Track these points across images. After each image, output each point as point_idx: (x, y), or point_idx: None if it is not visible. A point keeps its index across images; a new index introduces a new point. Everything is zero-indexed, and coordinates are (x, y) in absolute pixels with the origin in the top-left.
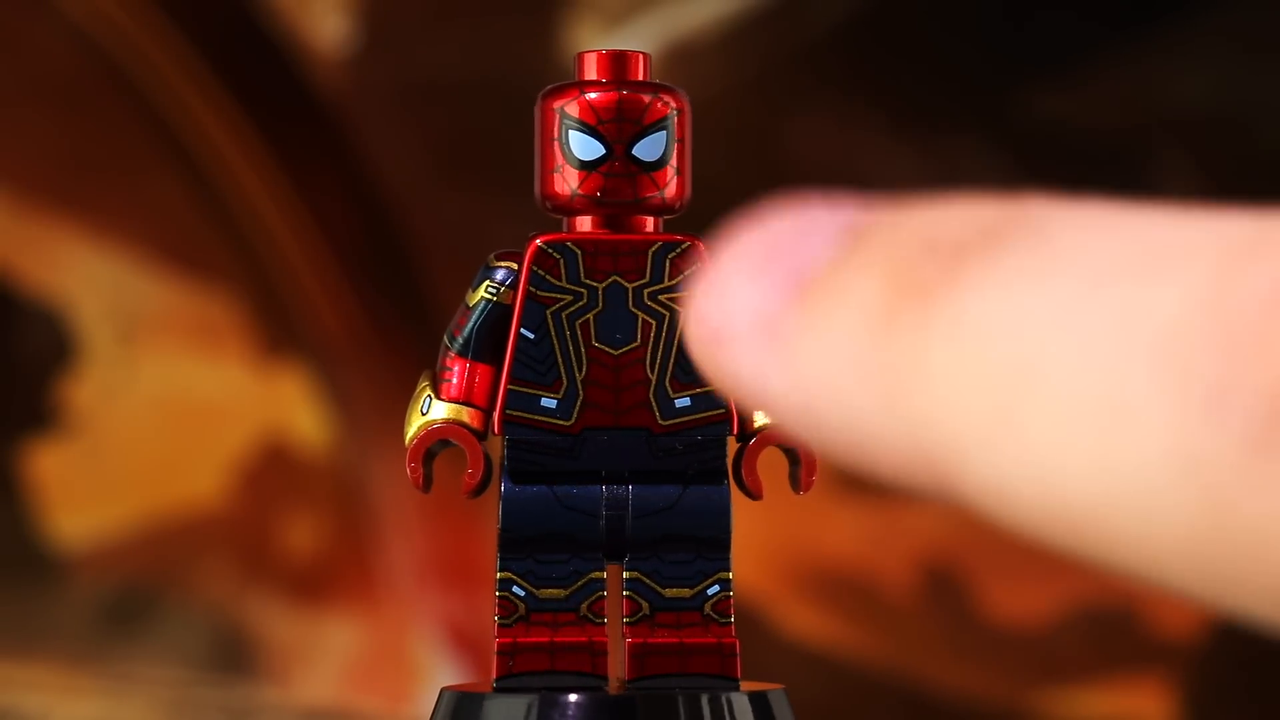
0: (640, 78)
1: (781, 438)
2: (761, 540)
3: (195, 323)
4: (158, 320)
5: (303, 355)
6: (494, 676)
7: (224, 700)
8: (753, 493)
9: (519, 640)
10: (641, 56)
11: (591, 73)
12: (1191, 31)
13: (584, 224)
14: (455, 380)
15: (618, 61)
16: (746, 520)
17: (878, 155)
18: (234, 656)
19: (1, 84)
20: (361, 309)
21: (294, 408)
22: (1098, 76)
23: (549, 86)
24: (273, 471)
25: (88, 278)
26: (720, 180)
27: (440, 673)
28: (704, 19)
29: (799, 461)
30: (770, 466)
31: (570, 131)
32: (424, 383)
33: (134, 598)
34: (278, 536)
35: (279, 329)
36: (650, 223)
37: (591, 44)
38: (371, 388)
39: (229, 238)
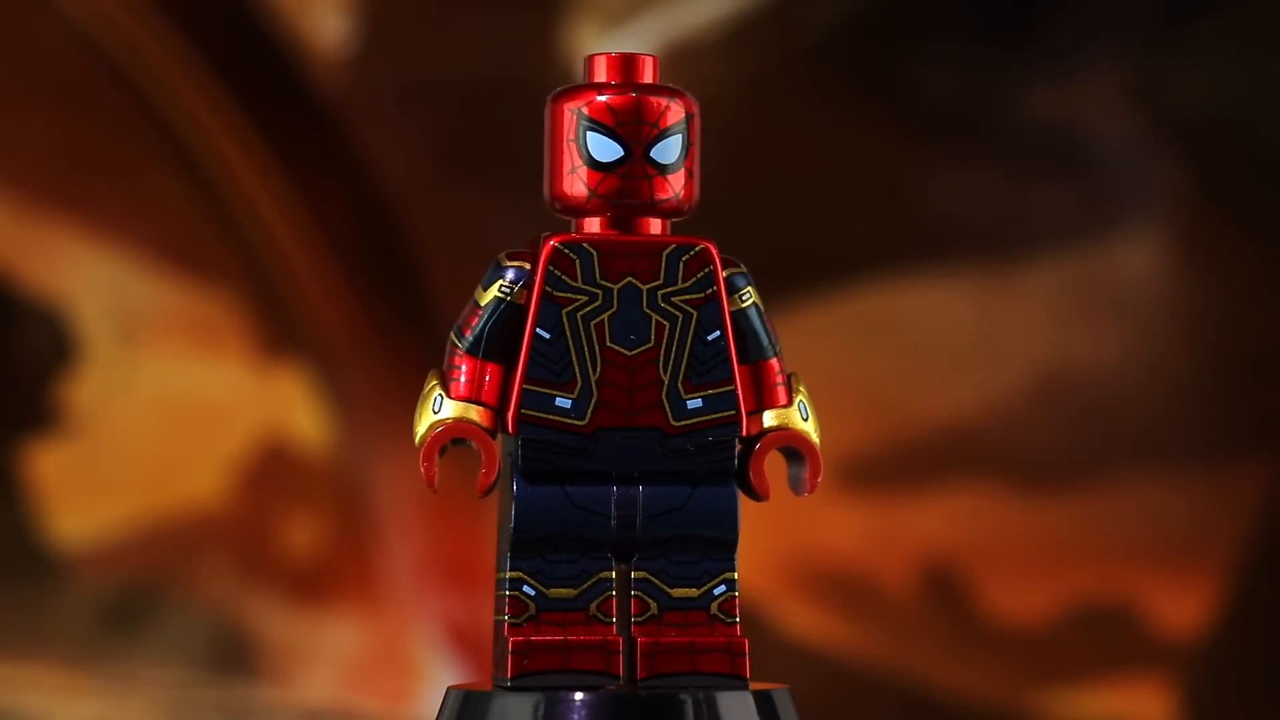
0: (654, 80)
1: (787, 440)
2: (762, 540)
3: (195, 323)
4: (158, 320)
5: (303, 355)
6: (509, 675)
7: (224, 700)
8: (759, 494)
9: (532, 639)
10: (651, 59)
11: (602, 75)
12: (1195, 32)
13: (593, 225)
14: (465, 379)
15: (629, 64)
16: (747, 520)
17: (877, 156)
18: (234, 656)
19: (1, 84)
20: (361, 309)
21: (294, 408)
22: (1099, 76)
23: (561, 88)
24: (273, 471)
25: (88, 278)
26: (719, 180)
27: (440, 673)
28: (704, 19)
29: (803, 464)
30: (772, 467)
31: (588, 133)
32: (433, 381)
33: (134, 598)
34: (278, 536)
35: (279, 329)
36: (658, 224)
37: (592, 44)
38: (371, 388)
39: (229, 238)
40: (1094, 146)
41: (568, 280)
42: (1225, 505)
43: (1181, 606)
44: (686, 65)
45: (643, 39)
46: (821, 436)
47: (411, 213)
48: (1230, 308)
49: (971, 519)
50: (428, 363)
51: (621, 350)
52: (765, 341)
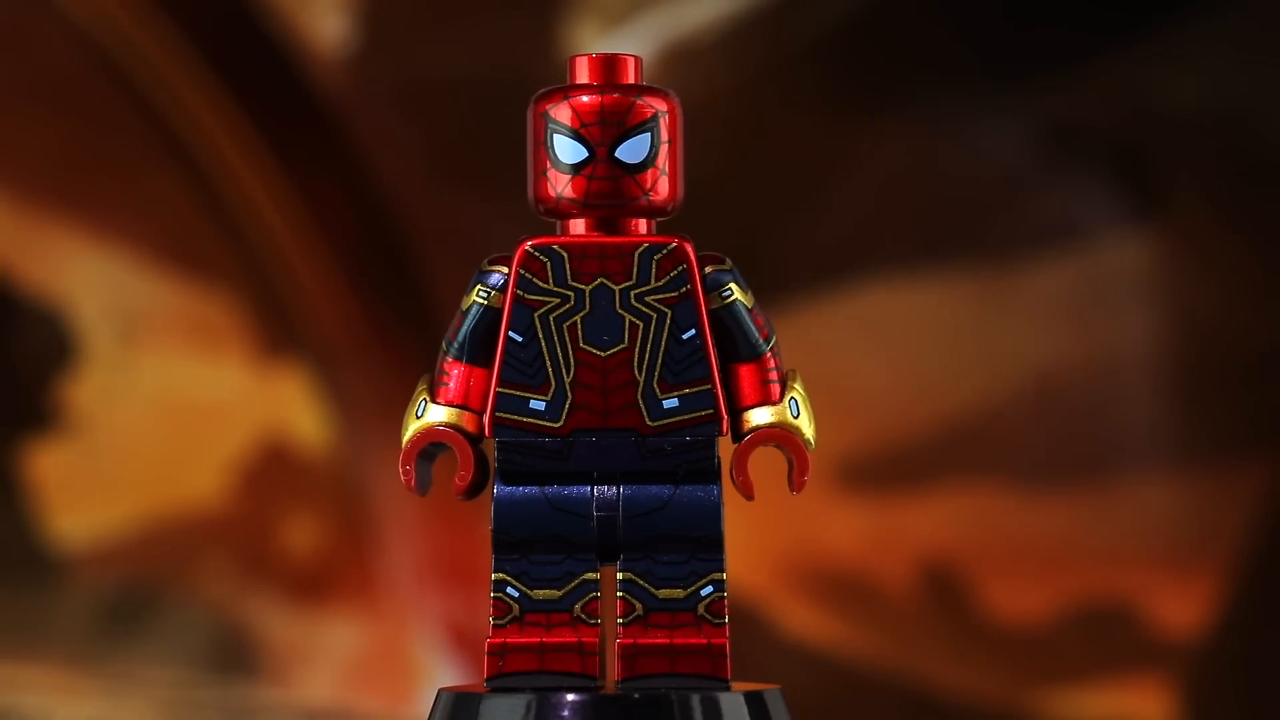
0: (630, 80)
1: (772, 438)
2: (761, 540)
3: (195, 323)
4: (158, 320)
5: (303, 355)
6: (484, 677)
7: (224, 700)
8: (743, 493)
9: (509, 641)
10: (632, 59)
11: (582, 76)
12: (1192, 32)
13: (577, 227)
14: (451, 384)
15: (607, 65)
16: (746, 520)
17: (877, 156)
18: (234, 656)
19: (1, 84)
20: (361, 309)
21: (294, 408)
22: (1098, 77)
23: (539, 91)
24: (273, 471)
25: (88, 278)
26: (720, 180)
27: (440, 673)
28: (703, 19)
29: (791, 461)
30: (769, 466)
31: (555, 135)
32: (422, 386)
33: (134, 598)
34: (278, 536)
35: (279, 329)
36: (642, 224)
37: (591, 44)
38: (371, 388)
39: (229, 238)
40: (1093, 146)
41: (538, 283)
42: (1225, 505)
43: (1181, 606)
44: (686, 65)
45: (642, 39)
46: (818, 435)
47: (411, 213)
48: (1229, 307)
49: (971, 519)
50: (427, 363)
51: (595, 351)
52: (752, 338)
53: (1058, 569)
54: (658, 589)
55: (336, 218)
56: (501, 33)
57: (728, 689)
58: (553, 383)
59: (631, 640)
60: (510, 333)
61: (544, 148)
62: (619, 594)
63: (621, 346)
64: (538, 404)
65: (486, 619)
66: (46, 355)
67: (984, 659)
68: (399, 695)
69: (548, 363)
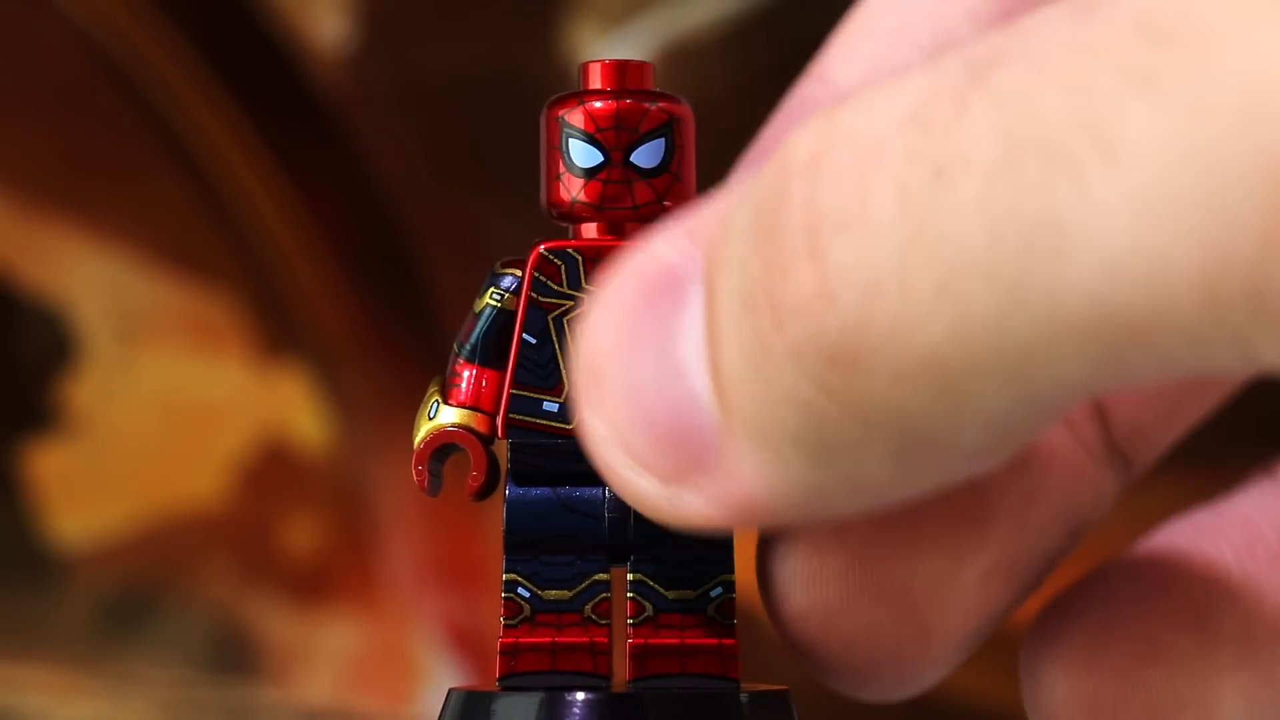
0: (644, 86)
1: None
2: None
3: (195, 323)
4: (158, 320)
5: (303, 355)
6: (496, 676)
7: (224, 700)
8: None
9: (520, 640)
10: (646, 66)
11: (596, 82)
12: None
13: (589, 231)
14: (463, 385)
15: (621, 71)
16: None
17: None
18: (234, 656)
19: (1, 84)
20: (361, 309)
21: (294, 408)
22: None
23: (554, 96)
24: (273, 471)
25: (88, 278)
26: (719, 180)
27: (440, 673)
28: (704, 19)
29: None
30: None
31: (571, 140)
32: (433, 388)
33: (134, 598)
34: (278, 536)
35: (279, 329)
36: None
37: (591, 44)
38: (371, 388)
39: (229, 238)
40: None
41: (553, 285)
42: None
43: None
44: (686, 66)
45: (642, 39)
46: None
47: (411, 213)
48: None
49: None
50: (428, 362)
51: None
52: None
53: (1058, 569)
54: (668, 590)
55: (336, 218)
56: (502, 33)
57: (738, 689)
58: (565, 385)
59: (642, 641)
60: (524, 335)
61: (558, 152)
62: (629, 595)
63: None
64: (551, 406)
65: (490, 619)
66: (46, 355)
67: (984, 659)
68: (399, 695)
69: (561, 365)
